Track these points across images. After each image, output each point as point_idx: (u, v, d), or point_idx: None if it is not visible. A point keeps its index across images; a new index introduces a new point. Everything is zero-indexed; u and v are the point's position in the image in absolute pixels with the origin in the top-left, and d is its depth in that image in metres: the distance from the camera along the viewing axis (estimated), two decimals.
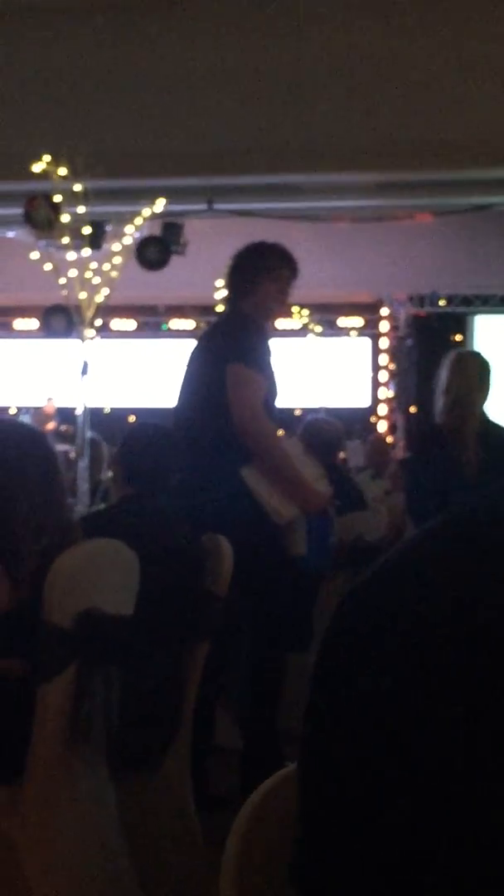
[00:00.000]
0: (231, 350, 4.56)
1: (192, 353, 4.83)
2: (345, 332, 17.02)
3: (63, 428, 15.10)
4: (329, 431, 6.50)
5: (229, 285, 4.87)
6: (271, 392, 4.69)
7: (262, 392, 4.56)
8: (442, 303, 16.01)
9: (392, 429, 16.27)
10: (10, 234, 11.56)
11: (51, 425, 15.53)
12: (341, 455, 12.72)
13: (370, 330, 17.03)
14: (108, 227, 9.64)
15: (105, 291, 8.53)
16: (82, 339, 8.75)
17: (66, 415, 14.19)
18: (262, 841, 1.26)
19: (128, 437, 4.29)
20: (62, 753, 3.14)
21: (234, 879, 1.23)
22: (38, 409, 16.16)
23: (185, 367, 4.82)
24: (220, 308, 13.27)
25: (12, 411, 15.89)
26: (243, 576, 4.12)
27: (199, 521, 4.22)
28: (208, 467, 4.53)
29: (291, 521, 4.59)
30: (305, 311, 16.22)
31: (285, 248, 4.95)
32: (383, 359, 16.89)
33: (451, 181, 9.61)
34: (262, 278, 4.79)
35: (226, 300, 5.04)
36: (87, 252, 8.70)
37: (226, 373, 4.50)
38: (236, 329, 4.69)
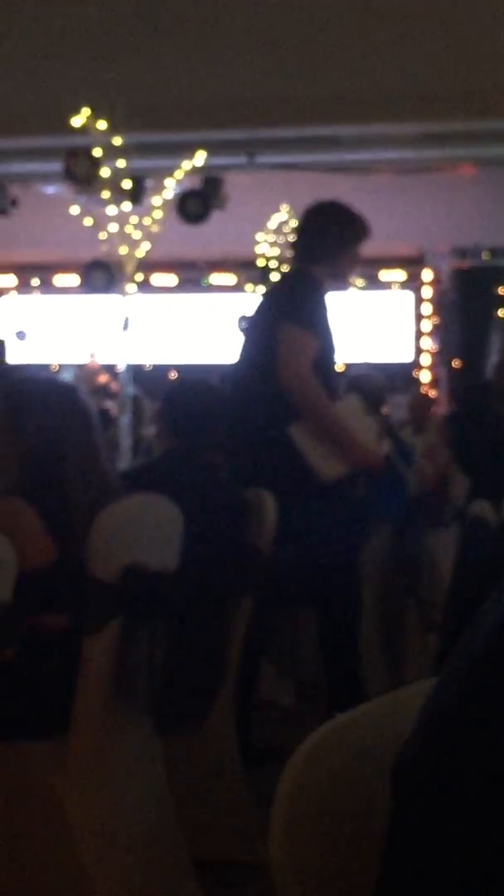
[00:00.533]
0: (287, 310, 4.54)
1: (254, 311, 4.83)
2: (387, 285, 16.90)
3: (112, 384, 15.12)
4: (372, 385, 6.47)
5: (303, 247, 4.79)
6: (327, 354, 4.66)
7: (312, 353, 4.53)
8: (485, 256, 15.85)
9: (434, 382, 16.16)
10: (51, 190, 11.54)
11: (103, 378, 15.50)
12: (385, 409, 12.68)
13: (413, 283, 16.90)
14: (148, 182, 9.60)
15: (145, 246, 8.51)
16: (123, 294, 8.73)
17: (108, 371, 14.20)
18: (311, 795, 1.24)
19: (171, 392, 4.29)
20: (107, 708, 3.15)
21: (283, 833, 1.22)
22: (82, 365, 16.17)
23: (247, 324, 4.84)
24: (260, 262, 13.22)
25: (54, 368, 15.91)
26: (288, 530, 4.13)
27: (247, 475, 4.23)
28: (257, 423, 4.53)
29: (338, 478, 4.58)
30: None
31: (360, 214, 4.90)
32: (426, 310, 16.75)
33: (493, 131, 9.49)
34: (346, 244, 4.74)
35: (293, 258, 4.98)
36: (127, 207, 8.67)
37: (279, 331, 4.48)
38: (297, 290, 4.68)
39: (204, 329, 17.32)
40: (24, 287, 17.96)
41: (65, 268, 16.72)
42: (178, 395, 4.20)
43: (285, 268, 13.14)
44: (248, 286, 14.42)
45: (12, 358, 16.63)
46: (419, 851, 1.03)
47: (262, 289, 13.50)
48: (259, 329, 4.68)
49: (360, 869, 1.21)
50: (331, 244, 4.71)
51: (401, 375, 15.15)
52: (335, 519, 4.62)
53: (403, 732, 1.21)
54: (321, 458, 4.49)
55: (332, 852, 1.22)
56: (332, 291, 4.82)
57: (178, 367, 14.30)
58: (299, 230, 4.86)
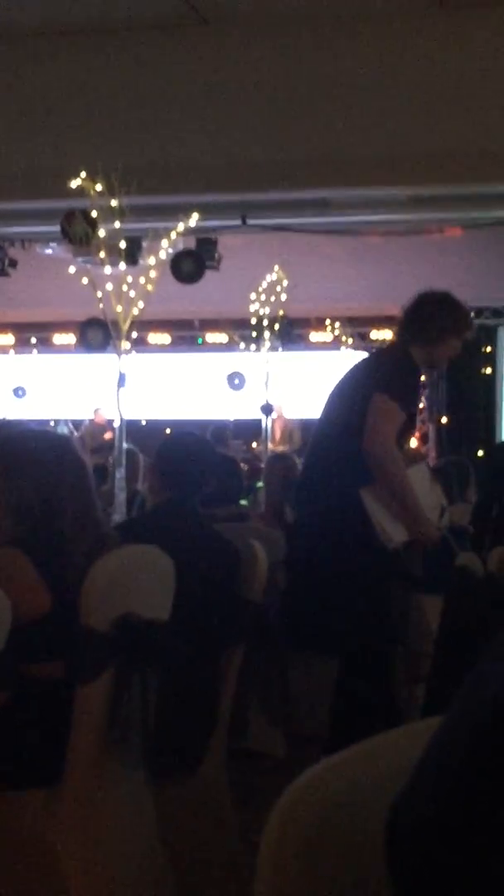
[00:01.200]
0: (383, 380, 4.68)
1: (345, 376, 4.97)
2: (377, 344, 17.04)
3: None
4: None
5: (408, 327, 4.96)
6: (406, 430, 4.86)
7: (398, 425, 4.67)
8: (472, 315, 15.99)
9: (423, 438, 16.27)
10: (49, 251, 11.67)
11: (108, 435, 15.56)
12: None
13: None
14: (144, 243, 9.72)
15: (141, 305, 8.61)
16: (118, 352, 8.82)
17: (99, 427, 14.29)
18: (298, 838, 1.25)
19: (163, 446, 4.36)
20: (100, 756, 3.18)
21: (269, 878, 1.23)
22: (90, 420, 16.26)
23: (335, 388, 4.95)
24: (252, 321, 13.33)
25: (52, 424, 15.99)
26: (342, 587, 4.26)
27: (313, 528, 4.37)
28: (331, 481, 4.66)
29: (400, 545, 4.71)
30: (338, 325, 16.25)
31: (468, 311, 5.08)
32: None
33: (479, 195, 9.64)
34: (447, 335, 4.93)
35: (396, 334, 5.15)
36: (123, 267, 8.77)
37: (371, 399, 4.58)
38: (395, 364, 4.83)
39: (197, 385, 17.44)
40: (22, 345, 18.09)
41: (62, 327, 16.86)
42: (169, 450, 4.27)
43: (276, 327, 13.28)
44: (241, 344, 14.54)
45: (11, 414, 16.72)
46: None
47: (254, 347, 13.63)
48: (351, 392, 4.81)
49: None
50: (435, 332, 4.89)
51: None
52: (385, 582, 4.74)
53: (390, 777, 1.25)
54: (387, 523, 4.62)
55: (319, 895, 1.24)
56: (424, 372, 5.00)
57: (173, 423, 14.40)
58: (410, 311, 5.03)
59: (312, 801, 1.27)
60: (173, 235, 9.31)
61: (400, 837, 1.08)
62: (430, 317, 4.97)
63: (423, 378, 5.13)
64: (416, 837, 1.04)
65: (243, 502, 6.70)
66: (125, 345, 8.72)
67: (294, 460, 7.18)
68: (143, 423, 14.07)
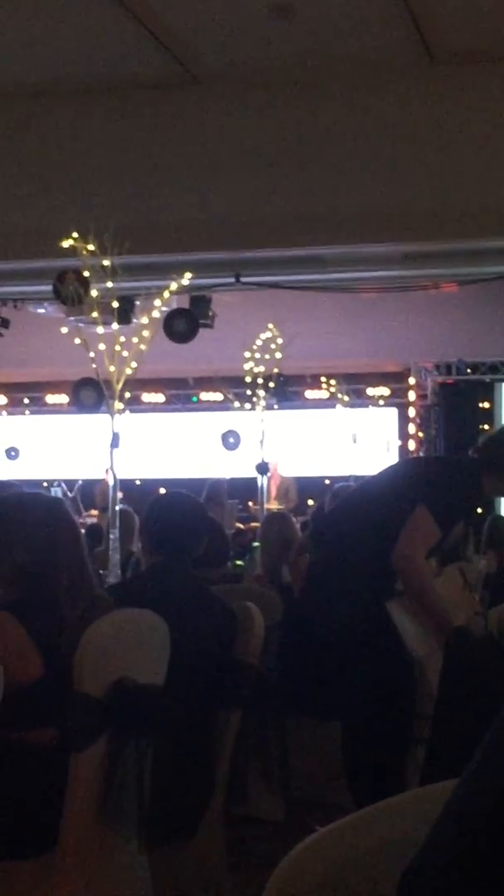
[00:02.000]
0: (432, 495, 4.61)
1: (398, 469, 4.88)
2: (373, 401, 17.07)
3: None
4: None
5: (486, 455, 4.86)
6: (439, 547, 4.78)
7: (432, 544, 4.61)
8: (469, 370, 16.06)
9: None
10: (41, 310, 11.69)
11: (119, 495, 15.46)
12: None
13: (398, 398, 17.08)
14: (137, 302, 9.74)
15: (134, 365, 8.60)
16: (111, 412, 8.80)
17: (94, 486, 14.26)
18: None
19: (152, 506, 4.32)
20: (94, 824, 3.13)
21: None
22: (77, 481, 16.22)
23: (387, 472, 4.87)
24: (248, 378, 13.33)
25: (45, 484, 15.97)
26: (367, 695, 4.21)
27: (338, 640, 4.31)
28: (357, 591, 4.60)
29: (428, 655, 4.64)
30: (333, 381, 16.28)
31: None
32: (412, 427, 16.92)
33: (474, 250, 9.68)
34: None
35: (471, 454, 5.02)
36: (115, 326, 8.78)
37: (414, 509, 4.53)
38: (452, 484, 4.74)
39: (192, 444, 17.44)
40: (14, 405, 18.10)
41: (55, 386, 16.88)
42: (157, 512, 4.23)
43: (271, 385, 13.27)
44: (236, 402, 14.55)
45: (3, 475, 16.69)
46: None
47: (248, 405, 13.62)
48: (398, 491, 4.71)
49: None
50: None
51: None
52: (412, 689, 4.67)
53: (391, 843, 1.22)
54: (415, 636, 4.56)
55: None
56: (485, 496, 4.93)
57: (167, 482, 14.38)
58: (492, 441, 4.95)
59: (310, 869, 1.27)
60: (166, 294, 9.32)
61: None
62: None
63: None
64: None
65: (239, 563, 6.65)
66: (118, 405, 8.70)
67: (290, 519, 7.14)
68: (138, 482, 14.03)
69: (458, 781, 1.11)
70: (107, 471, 16.29)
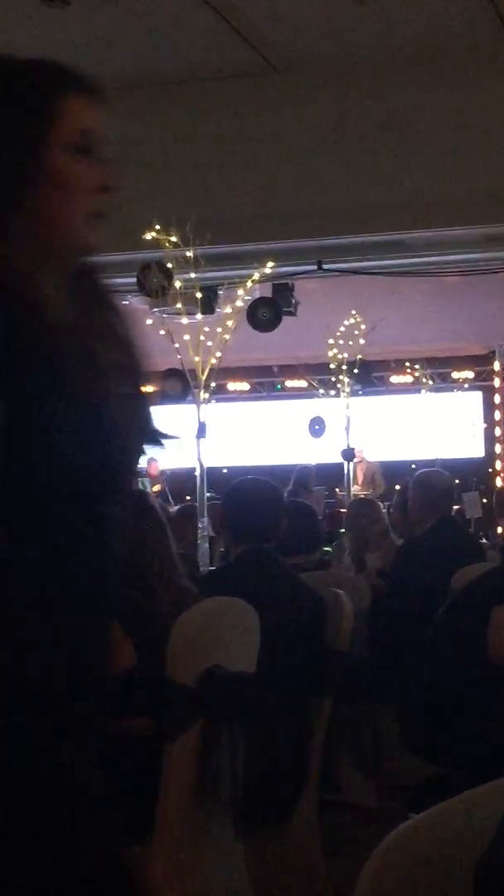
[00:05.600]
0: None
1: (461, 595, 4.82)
2: (457, 384, 16.96)
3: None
4: (441, 483, 6.43)
5: None
6: None
7: None
8: None
9: None
10: (125, 303, 11.77)
11: (157, 487, 15.65)
12: (456, 507, 12.62)
13: (483, 381, 16.95)
14: (220, 291, 9.78)
15: (218, 354, 8.65)
16: (197, 402, 8.86)
17: (183, 476, 14.34)
18: (390, 892, 1.26)
19: (229, 496, 4.31)
20: (190, 812, 3.16)
21: None
22: (144, 470, 16.31)
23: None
24: (332, 364, 13.31)
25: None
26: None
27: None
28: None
29: None
30: (418, 366, 16.21)
31: None
32: (497, 412, 16.79)
33: None
34: None
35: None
36: (199, 316, 8.82)
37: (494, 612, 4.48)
38: None
39: (278, 431, 17.47)
40: None
41: None
42: (235, 500, 4.21)
43: (355, 371, 13.25)
44: (321, 389, 14.55)
45: None
46: None
47: (333, 392, 13.59)
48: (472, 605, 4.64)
49: None
50: None
51: (473, 471, 15.13)
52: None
53: (482, 832, 1.23)
54: None
55: None
56: None
57: (253, 470, 14.42)
58: None
59: (406, 855, 1.27)
60: (249, 283, 9.35)
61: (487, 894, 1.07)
62: None
63: None
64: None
65: (327, 549, 6.64)
66: (204, 394, 8.75)
67: (376, 504, 7.12)
68: (225, 471, 14.07)
69: None
70: (150, 462, 16.39)
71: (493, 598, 4.36)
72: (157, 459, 16.05)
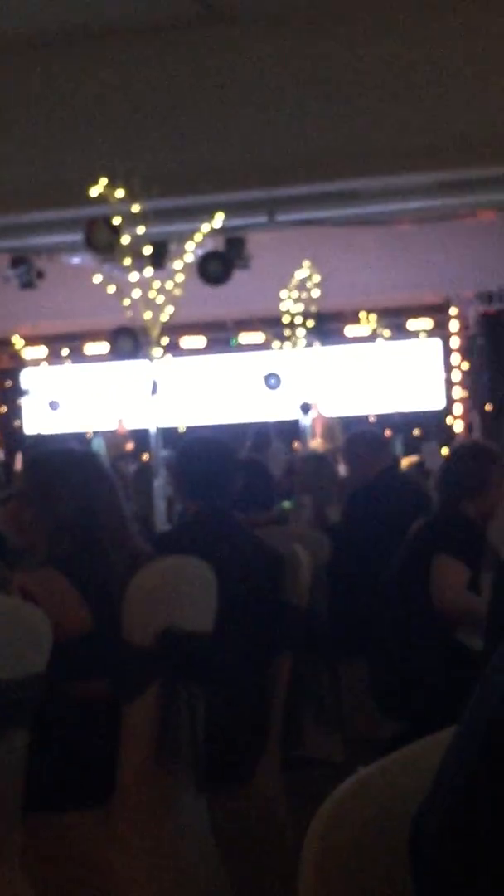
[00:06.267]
0: (441, 542, 4.52)
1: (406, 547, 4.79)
2: (414, 334, 16.95)
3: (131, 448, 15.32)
4: (374, 436, 6.49)
5: (449, 487, 4.78)
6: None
7: (463, 578, 4.52)
8: None
9: (469, 429, 16.17)
10: (75, 261, 11.65)
11: (129, 446, 15.63)
12: (417, 458, 12.66)
13: (440, 331, 16.95)
14: (170, 246, 9.68)
15: (170, 310, 8.56)
16: (150, 358, 8.78)
17: (140, 435, 14.29)
18: (340, 845, 1.26)
19: (180, 454, 4.28)
20: (150, 773, 3.14)
21: (312, 883, 1.24)
22: (112, 431, 16.28)
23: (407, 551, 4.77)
24: (287, 318, 13.27)
25: (88, 435, 16.02)
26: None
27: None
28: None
29: None
30: (373, 317, 16.17)
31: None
32: (455, 359, 16.80)
33: None
34: (485, 486, 4.72)
35: (444, 502, 4.92)
36: (149, 272, 8.73)
37: (434, 561, 4.47)
38: (452, 527, 4.63)
39: (233, 387, 17.43)
40: (54, 357, 18.13)
41: (93, 336, 16.88)
42: (189, 456, 4.17)
43: (310, 323, 13.20)
44: (276, 343, 14.50)
45: (46, 428, 16.76)
46: None
47: (289, 345, 13.55)
48: (414, 556, 4.64)
49: None
50: (476, 481, 4.69)
51: (433, 422, 15.17)
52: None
53: (429, 780, 1.21)
54: None
55: None
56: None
57: (210, 428, 14.38)
58: (446, 470, 4.88)
59: (355, 809, 1.27)
60: (199, 237, 9.25)
61: (420, 848, 1.09)
62: (462, 472, 4.79)
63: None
64: (434, 848, 1.06)
65: (286, 504, 6.61)
66: (156, 351, 8.68)
67: (328, 460, 7.11)
68: (181, 430, 14.02)
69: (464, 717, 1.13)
70: (119, 422, 16.41)
71: (432, 546, 4.41)
72: (125, 418, 16.03)
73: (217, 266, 10.59)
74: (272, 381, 16.03)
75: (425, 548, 4.47)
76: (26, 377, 18.06)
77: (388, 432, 8.79)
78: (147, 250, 8.61)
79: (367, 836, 1.25)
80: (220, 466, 4.06)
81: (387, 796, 1.28)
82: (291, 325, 13.19)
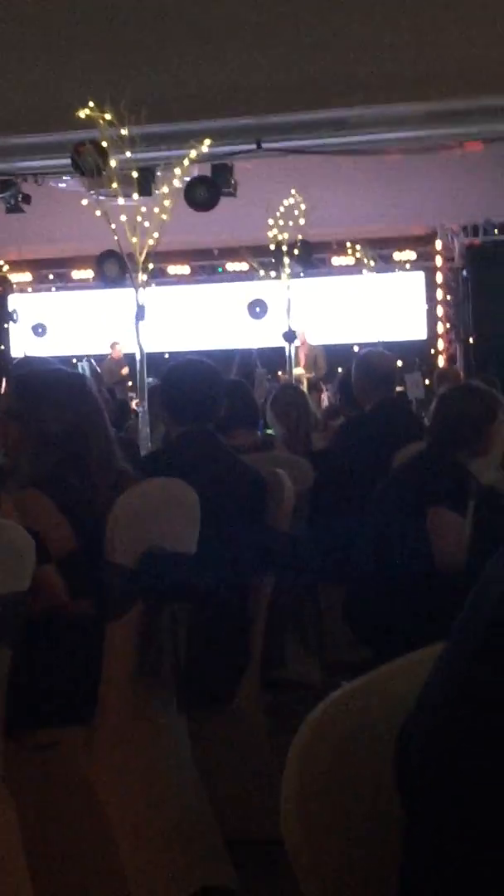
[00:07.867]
0: (434, 495, 4.42)
1: (385, 489, 4.70)
2: (399, 265, 16.90)
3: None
4: (382, 364, 6.40)
5: (440, 433, 4.63)
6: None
7: (459, 529, 4.46)
8: (496, 231, 15.84)
9: (451, 360, 16.18)
10: (62, 185, 11.55)
11: (125, 371, 15.51)
12: (399, 388, 12.66)
13: (424, 262, 16.90)
14: (158, 172, 9.60)
15: (156, 236, 8.51)
16: (136, 285, 8.74)
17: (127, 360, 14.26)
18: (322, 759, 1.27)
19: (166, 377, 4.27)
20: (133, 691, 3.18)
21: (294, 801, 1.25)
22: (106, 356, 16.21)
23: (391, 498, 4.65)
24: (273, 246, 13.20)
25: (73, 361, 15.98)
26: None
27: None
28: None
29: None
30: (359, 247, 16.10)
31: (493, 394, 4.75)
32: (439, 292, 16.78)
33: (499, 107, 9.43)
34: (486, 429, 4.55)
35: (433, 443, 4.78)
36: (136, 197, 8.67)
37: (428, 514, 4.38)
38: (444, 476, 4.54)
39: (219, 315, 17.38)
40: (40, 282, 18.03)
41: (80, 262, 16.78)
42: (174, 380, 4.17)
43: (296, 252, 13.12)
44: (261, 272, 14.43)
45: (30, 351, 16.69)
46: (437, 827, 1.07)
47: (274, 273, 13.48)
48: (405, 507, 4.52)
49: (369, 833, 1.25)
50: (473, 428, 4.52)
51: (416, 353, 15.16)
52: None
53: (409, 698, 1.24)
54: None
55: (342, 818, 1.26)
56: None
57: (194, 354, 14.32)
58: (437, 415, 4.72)
59: (335, 725, 1.29)
60: (186, 163, 9.17)
61: (408, 757, 1.12)
62: (459, 417, 4.64)
63: None
64: (422, 756, 1.09)
65: (270, 431, 6.61)
66: (142, 277, 8.63)
67: (302, 391, 7.11)
68: (167, 356, 13.98)
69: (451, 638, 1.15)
70: (113, 346, 16.34)
71: (425, 497, 4.32)
72: (119, 342, 15.95)
73: (204, 191, 10.50)
74: (257, 308, 15.99)
75: (417, 497, 4.37)
76: (12, 302, 17.97)
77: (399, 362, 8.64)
78: (134, 175, 8.54)
79: (346, 752, 1.27)
80: (206, 389, 4.06)
81: (366, 713, 1.30)
82: (277, 254, 13.11)
